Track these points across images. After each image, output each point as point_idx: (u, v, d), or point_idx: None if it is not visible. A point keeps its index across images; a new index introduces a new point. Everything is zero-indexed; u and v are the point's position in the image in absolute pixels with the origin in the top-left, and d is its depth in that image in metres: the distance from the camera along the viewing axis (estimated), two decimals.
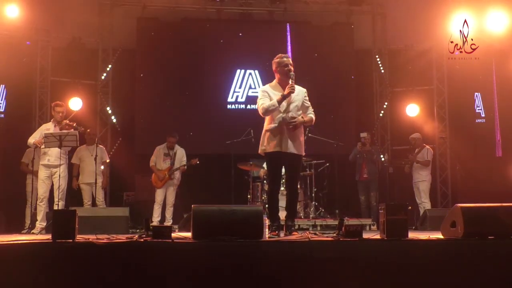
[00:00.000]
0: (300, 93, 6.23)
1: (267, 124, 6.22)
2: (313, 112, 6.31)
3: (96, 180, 9.37)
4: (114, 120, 11.59)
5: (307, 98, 6.30)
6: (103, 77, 11.60)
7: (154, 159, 9.82)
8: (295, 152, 6.11)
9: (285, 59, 6.32)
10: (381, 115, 12.09)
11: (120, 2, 11.71)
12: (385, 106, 12.07)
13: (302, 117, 6.19)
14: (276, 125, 6.09)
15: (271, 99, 6.10)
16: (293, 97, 6.12)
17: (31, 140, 8.29)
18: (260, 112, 6.18)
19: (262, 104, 6.13)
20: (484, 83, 11.35)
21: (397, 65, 12.05)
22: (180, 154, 9.85)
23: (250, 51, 11.93)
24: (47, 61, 11.21)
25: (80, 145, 9.53)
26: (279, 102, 6.03)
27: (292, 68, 6.21)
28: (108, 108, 11.52)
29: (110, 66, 11.62)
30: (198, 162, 9.75)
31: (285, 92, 6.04)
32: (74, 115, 9.09)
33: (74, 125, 8.30)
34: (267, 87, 6.31)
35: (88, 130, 9.95)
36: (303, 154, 6.30)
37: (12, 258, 4.57)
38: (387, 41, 12.22)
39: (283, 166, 6.42)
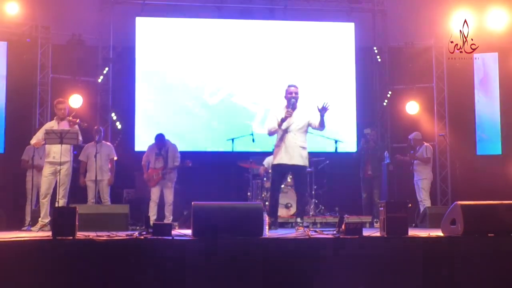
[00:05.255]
0: (305, 116, 7.23)
1: (275, 141, 7.38)
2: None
3: (96, 176, 9.39)
4: (114, 118, 11.58)
5: (314, 117, 7.16)
6: (103, 75, 11.59)
7: (146, 159, 9.73)
8: (297, 164, 7.18)
9: (290, 88, 7.32)
10: (381, 112, 12.07)
11: (120, 0, 11.70)
12: (385, 103, 12.05)
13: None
14: (279, 141, 7.24)
15: (277, 121, 7.16)
16: (295, 118, 7.15)
17: (33, 140, 8.30)
18: (266, 132, 7.39)
19: (267, 125, 7.37)
20: (484, 81, 11.35)
21: (397, 63, 12.03)
22: (172, 151, 9.69)
23: (251, 49, 11.96)
24: (47, 58, 11.20)
25: (88, 142, 9.65)
26: (279, 125, 7.15)
27: (294, 95, 7.21)
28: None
29: (110, 63, 11.60)
30: (190, 165, 9.67)
31: (283, 116, 7.10)
32: (77, 112, 9.05)
33: (78, 121, 8.29)
34: (276, 109, 7.37)
35: (96, 128, 9.97)
36: (307, 165, 7.37)
37: (12, 255, 4.58)
38: (387, 39, 12.20)
39: (290, 175, 8.31)
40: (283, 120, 7.10)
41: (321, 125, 7.16)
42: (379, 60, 12.12)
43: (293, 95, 7.22)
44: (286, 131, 7.17)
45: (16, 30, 10.47)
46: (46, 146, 8.16)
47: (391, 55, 12.17)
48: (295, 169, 7.32)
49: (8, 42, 10.59)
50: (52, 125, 8.34)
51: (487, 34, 10.26)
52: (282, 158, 7.19)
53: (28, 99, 10.93)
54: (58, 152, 8.04)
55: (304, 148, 7.23)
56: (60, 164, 7.99)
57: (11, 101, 10.62)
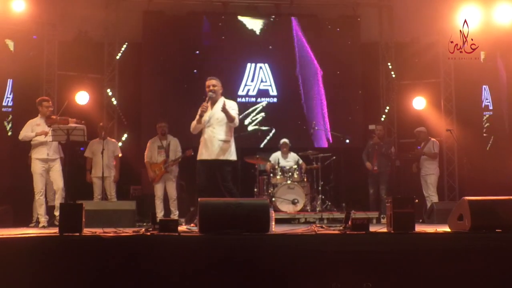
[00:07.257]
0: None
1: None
2: (236, 115, 7.05)
3: (103, 173, 9.40)
4: (121, 114, 11.59)
5: (231, 108, 7.02)
6: (109, 71, 11.60)
7: (149, 154, 9.62)
8: (217, 158, 6.97)
9: (208, 81, 7.18)
10: (387, 108, 12.02)
11: None
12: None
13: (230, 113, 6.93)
14: (201, 136, 7.10)
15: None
16: (215, 111, 7.02)
17: (31, 133, 8.07)
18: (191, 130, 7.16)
19: (192, 124, 7.10)
20: (492, 76, 11.28)
21: (403, 58, 11.96)
22: (174, 145, 9.63)
23: (256, 45, 11.94)
24: (54, 55, 11.21)
25: (93, 139, 9.72)
26: (198, 121, 7.01)
27: (212, 88, 7.07)
28: (112, 98, 11.50)
29: (116, 59, 11.61)
30: (192, 154, 9.62)
31: (198, 113, 6.96)
32: (64, 109, 8.81)
33: (69, 120, 8.23)
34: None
35: (101, 124, 9.98)
36: (229, 159, 7.03)
37: (19, 251, 4.60)
38: (393, 34, 12.14)
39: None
40: (200, 116, 6.98)
41: (228, 120, 6.97)
42: (385, 55, 12.08)
43: (211, 88, 7.09)
44: (206, 125, 7.03)
45: (22, 27, 10.48)
46: (38, 143, 8.07)
47: (398, 50, 12.10)
48: (216, 164, 6.99)
49: (15, 39, 10.59)
50: (38, 122, 8.18)
51: (494, 28, 10.19)
52: (203, 153, 7.02)
53: (35, 96, 10.90)
54: (51, 149, 8.08)
55: (225, 141, 7.00)
56: (53, 160, 8.05)
57: (18, 98, 10.65)
